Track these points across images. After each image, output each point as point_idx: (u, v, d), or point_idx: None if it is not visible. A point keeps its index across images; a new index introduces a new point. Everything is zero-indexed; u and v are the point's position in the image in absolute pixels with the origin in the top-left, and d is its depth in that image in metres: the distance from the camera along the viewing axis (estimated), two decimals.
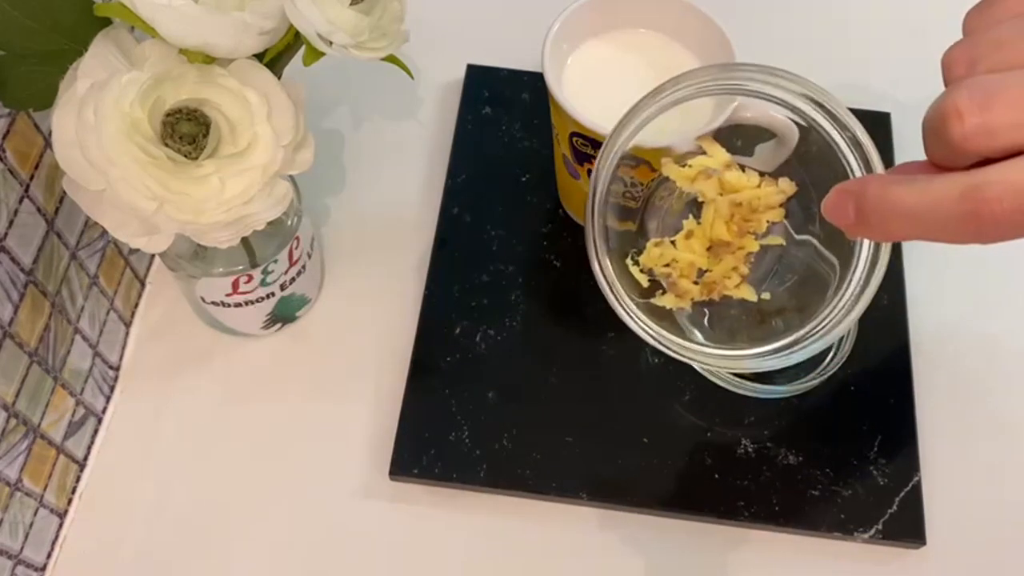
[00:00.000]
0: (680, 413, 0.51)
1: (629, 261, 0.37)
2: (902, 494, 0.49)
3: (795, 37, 0.65)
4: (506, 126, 0.60)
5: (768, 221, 0.36)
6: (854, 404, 0.51)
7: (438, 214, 0.57)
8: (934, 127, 0.26)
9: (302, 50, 0.39)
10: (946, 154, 0.26)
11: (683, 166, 0.36)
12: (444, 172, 0.58)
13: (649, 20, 0.50)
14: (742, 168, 0.36)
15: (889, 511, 0.48)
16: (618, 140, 0.36)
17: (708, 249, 0.37)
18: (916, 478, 0.49)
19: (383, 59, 0.41)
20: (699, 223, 0.36)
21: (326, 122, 0.61)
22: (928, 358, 0.53)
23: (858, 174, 0.34)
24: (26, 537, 0.45)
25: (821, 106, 0.34)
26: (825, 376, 0.50)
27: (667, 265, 0.37)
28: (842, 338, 0.52)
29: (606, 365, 0.52)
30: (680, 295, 0.36)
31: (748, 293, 0.36)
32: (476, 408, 0.51)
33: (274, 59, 0.39)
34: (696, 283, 0.37)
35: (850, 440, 0.50)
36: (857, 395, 0.52)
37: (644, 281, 0.37)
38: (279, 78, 0.39)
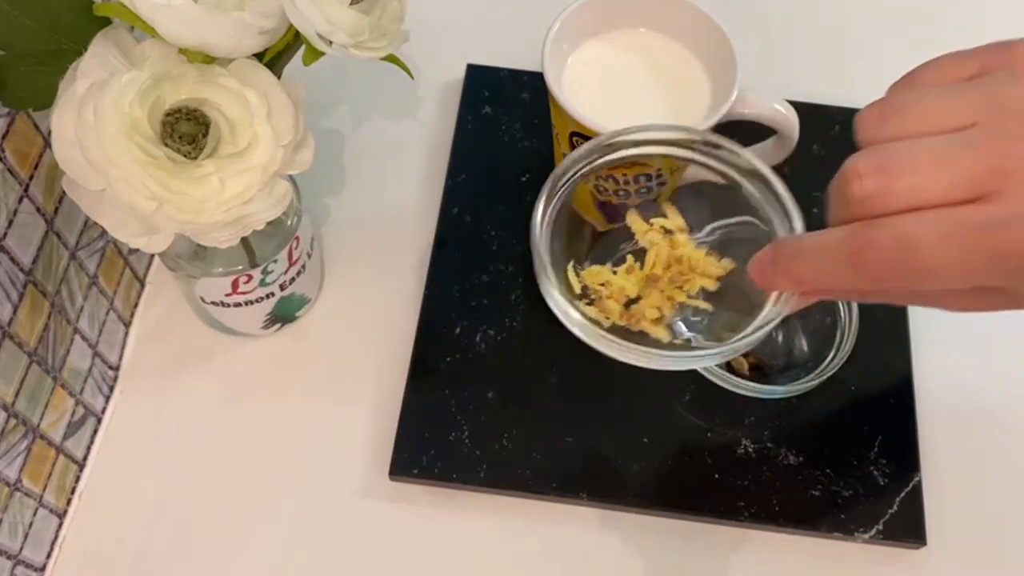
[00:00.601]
0: (680, 413, 0.51)
1: (570, 268, 0.40)
2: (902, 494, 0.49)
3: (794, 37, 0.65)
4: (506, 126, 0.60)
5: (700, 287, 0.39)
6: (854, 404, 0.51)
7: (438, 214, 0.57)
8: (837, 187, 0.28)
9: (302, 50, 0.39)
10: (848, 214, 0.28)
11: (647, 222, 0.40)
12: (444, 172, 0.58)
13: (649, 20, 0.50)
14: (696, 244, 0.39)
15: (889, 511, 0.48)
16: (559, 182, 0.40)
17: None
18: (916, 478, 0.49)
19: (383, 59, 0.41)
20: (640, 268, 0.40)
21: (326, 122, 0.61)
22: (928, 357, 0.53)
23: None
24: (26, 537, 0.45)
25: (753, 173, 0.37)
26: (825, 376, 0.50)
27: (602, 284, 0.40)
28: (842, 338, 0.51)
29: (606, 365, 0.52)
30: (603, 312, 0.39)
31: (663, 333, 0.39)
32: (476, 408, 0.51)
33: (274, 59, 0.39)
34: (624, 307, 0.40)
35: (850, 440, 0.50)
36: (857, 395, 0.52)
37: (577, 288, 0.40)
38: (279, 78, 0.39)
